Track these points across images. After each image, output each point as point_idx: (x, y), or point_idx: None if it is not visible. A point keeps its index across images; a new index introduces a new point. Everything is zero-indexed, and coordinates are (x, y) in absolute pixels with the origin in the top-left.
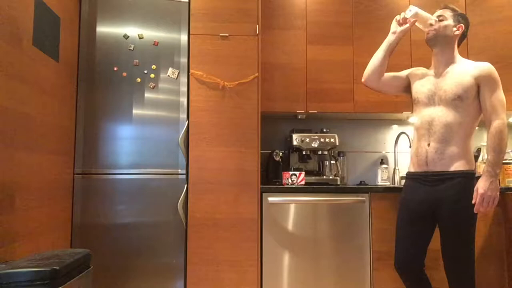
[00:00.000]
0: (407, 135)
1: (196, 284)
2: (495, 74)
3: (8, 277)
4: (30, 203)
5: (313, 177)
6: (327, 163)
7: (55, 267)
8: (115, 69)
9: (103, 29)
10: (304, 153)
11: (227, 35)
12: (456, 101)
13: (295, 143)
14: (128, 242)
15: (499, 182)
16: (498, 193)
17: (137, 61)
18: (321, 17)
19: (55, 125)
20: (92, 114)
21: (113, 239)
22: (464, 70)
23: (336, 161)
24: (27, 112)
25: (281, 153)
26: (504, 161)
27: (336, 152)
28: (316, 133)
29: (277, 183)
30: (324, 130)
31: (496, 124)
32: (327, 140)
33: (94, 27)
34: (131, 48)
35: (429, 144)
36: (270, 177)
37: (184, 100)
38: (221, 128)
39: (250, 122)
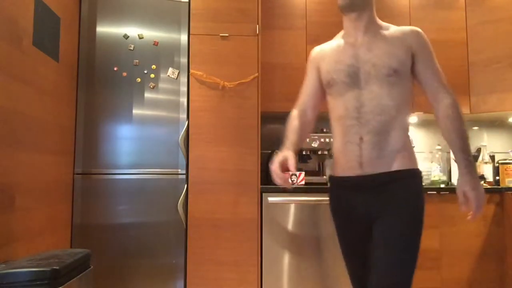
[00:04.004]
0: None
1: (196, 284)
2: (428, 41)
3: (8, 277)
4: (30, 203)
5: (313, 177)
6: (327, 163)
7: (55, 267)
8: (115, 69)
9: (103, 29)
10: (304, 153)
11: (227, 35)
12: (392, 77)
13: None
14: (128, 242)
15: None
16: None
17: (137, 61)
18: (321, 17)
19: (55, 125)
20: (92, 114)
21: (113, 239)
22: (393, 37)
23: None
24: (27, 112)
25: None
26: (504, 161)
27: None
28: (316, 133)
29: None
30: (324, 130)
31: (450, 102)
32: (327, 140)
33: (94, 27)
34: (131, 48)
35: (361, 138)
36: (270, 177)
37: (184, 100)
38: (221, 128)
39: (250, 122)
